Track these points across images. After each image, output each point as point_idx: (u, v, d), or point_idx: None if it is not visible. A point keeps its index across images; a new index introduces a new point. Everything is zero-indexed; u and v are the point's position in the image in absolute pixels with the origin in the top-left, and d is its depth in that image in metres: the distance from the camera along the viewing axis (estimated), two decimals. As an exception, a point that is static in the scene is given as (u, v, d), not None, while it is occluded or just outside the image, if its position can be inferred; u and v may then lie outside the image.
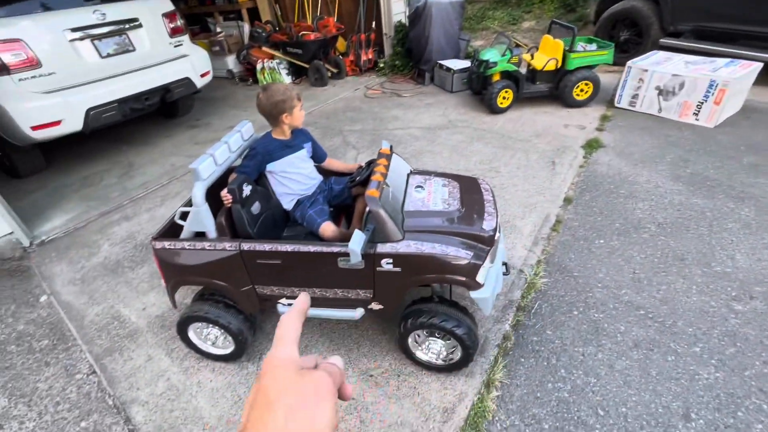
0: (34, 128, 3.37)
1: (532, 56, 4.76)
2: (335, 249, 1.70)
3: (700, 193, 3.08)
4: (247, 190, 1.93)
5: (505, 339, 2.12)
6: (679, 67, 4.07)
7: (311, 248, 1.72)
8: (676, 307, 2.22)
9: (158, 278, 2.66)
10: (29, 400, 1.99)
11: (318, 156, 2.29)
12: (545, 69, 4.51)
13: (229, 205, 1.87)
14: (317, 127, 4.90)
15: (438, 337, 1.86)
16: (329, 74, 6.60)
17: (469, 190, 2.00)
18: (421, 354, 1.95)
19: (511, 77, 4.65)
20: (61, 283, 2.71)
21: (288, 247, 1.74)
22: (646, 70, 4.18)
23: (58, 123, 3.46)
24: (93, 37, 3.66)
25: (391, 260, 1.71)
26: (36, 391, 2.03)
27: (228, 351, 2.05)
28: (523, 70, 4.74)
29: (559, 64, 4.47)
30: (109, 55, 3.77)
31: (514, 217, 3.00)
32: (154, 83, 4.11)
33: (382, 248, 1.69)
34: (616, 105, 4.59)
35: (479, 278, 1.71)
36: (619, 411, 1.78)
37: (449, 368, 1.93)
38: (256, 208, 1.99)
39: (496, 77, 4.67)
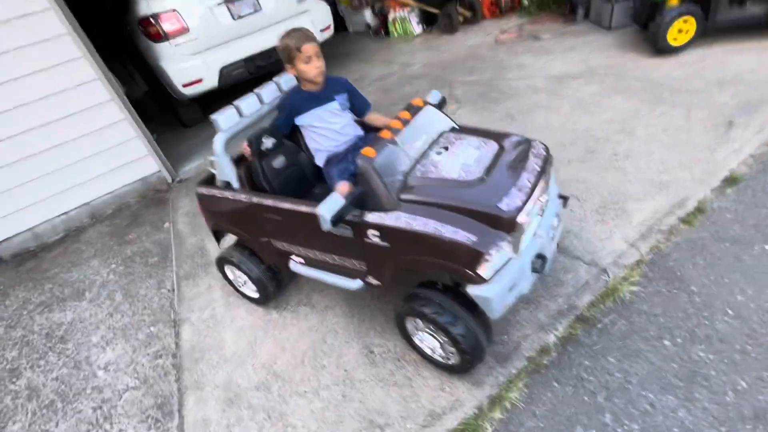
0: (184, 86, 4.11)
1: (738, -37, 3.22)
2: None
3: None
4: (268, 143, 1.91)
5: (542, 352, 1.64)
6: None
7: (303, 207, 1.61)
8: None
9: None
10: (133, 301, 2.57)
11: (358, 109, 2.08)
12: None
13: (248, 155, 1.89)
14: (427, 79, 4.55)
15: (430, 332, 1.55)
16: (461, 19, 5.96)
17: (512, 155, 1.52)
18: (417, 342, 1.68)
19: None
20: (181, 215, 3.35)
21: (286, 205, 1.68)
22: None
23: (200, 81, 4.13)
24: (228, 1, 4.13)
25: (377, 233, 1.46)
26: (137, 295, 2.60)
27: (256, 295, 2.18)
28: (720, -15, 3.27)
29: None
30: (240, 17, 4.21)
31: (627, 197, 2.22)
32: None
33: (369, 217, 1.46)
34: None
35: (483, 271, 1.32)
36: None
37: (448, 369, 1.61)
38: (279, 162, 1.96)
39: (673, 1, 3.37)
